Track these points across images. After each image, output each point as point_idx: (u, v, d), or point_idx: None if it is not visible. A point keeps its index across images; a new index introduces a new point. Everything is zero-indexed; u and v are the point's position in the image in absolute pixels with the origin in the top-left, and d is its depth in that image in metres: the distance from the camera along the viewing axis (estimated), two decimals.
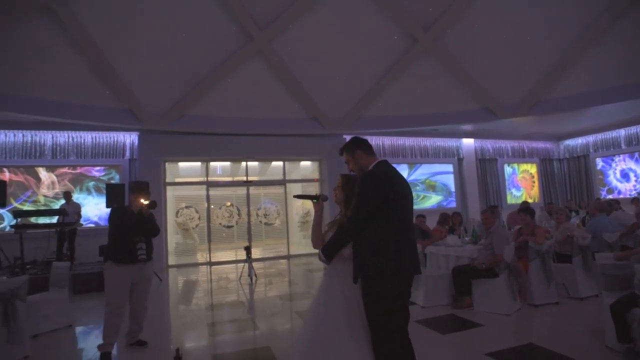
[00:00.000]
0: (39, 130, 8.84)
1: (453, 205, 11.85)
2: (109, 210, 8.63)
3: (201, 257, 10.82)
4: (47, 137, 9.01)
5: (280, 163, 11.09)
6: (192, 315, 5.53)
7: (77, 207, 8.27)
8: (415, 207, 11.22)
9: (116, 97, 8.28)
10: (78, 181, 9.29)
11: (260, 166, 11.78)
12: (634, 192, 11.72)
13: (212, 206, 11.00)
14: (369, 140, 2.69)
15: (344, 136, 10.94)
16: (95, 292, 6.96)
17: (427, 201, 11.79)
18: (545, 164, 13.64)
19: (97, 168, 9.45)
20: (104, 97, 8.24)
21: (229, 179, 11.74)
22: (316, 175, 11.33)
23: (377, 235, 2.28)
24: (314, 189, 11.28)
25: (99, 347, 3.80)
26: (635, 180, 11.85)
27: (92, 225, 9.14)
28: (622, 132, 12.02)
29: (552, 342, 3.71)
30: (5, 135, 8.62)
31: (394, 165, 2.57)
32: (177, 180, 11.07)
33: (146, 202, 3.96)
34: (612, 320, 3.32)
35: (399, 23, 8.71)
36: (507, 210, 10.61)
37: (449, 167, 12.12)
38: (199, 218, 11.41)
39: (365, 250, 2.30)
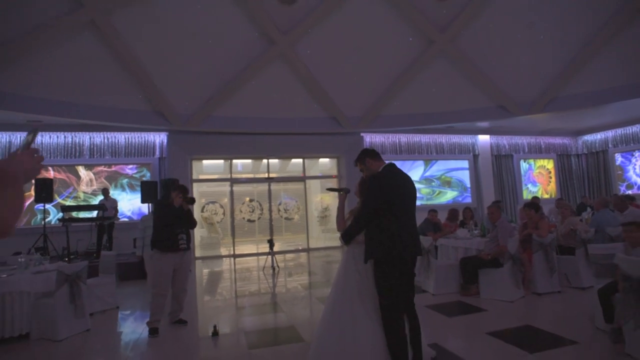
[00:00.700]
0: (78, 132, 9.65)
1: (468, 200, 12.19)
2: (142, 205, 9.42)
3: (225, 250, 11.52)
4: (85, 138, 9.82)
5: (300, 160, 11.67)
6: (222, 300, 6.18)
7: (114, 203, 9.04)
8: (430, 202, 11.66)
9: (148, 101, 8.99)
10: (113, 178, 10.09)
11: (281, 163, 12.39)
12: None
13: (235, 201, 11.67)
14: (387, 138, 3.28)
15: (362, 134, 11.44)
16: (134, 280, 7.73)
17: (442, 197, 12.17)
18: (563, 159, 13.79)
19: (130, 166, 10.23)
20: (137, 101, 8.95)
21: (251, 175, 12.39)
22: (334, 172, 11.86)
23: (383, 226, 2.82)
24: (332, 184, 11.84)
25: (148, 323, 4.45)
26: None
27: (126, 219, 9.92)
28: None
29: (548, 325, 4.16)
30: (50, 137, 9.47)
31: (410, 162, 3.13)
32: (202, 177, 11.79)
33: (186, 199, 4.59)
34: (600, 304, 3.75)
35: (415, 25, 9.10)
36: (521, 206, 10.92)
37: (465, 164, 12.45)
38: (223, 213, 12.10)
39: (375, 238, 2.84)
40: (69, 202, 9.50)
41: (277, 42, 8.82)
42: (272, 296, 6.20)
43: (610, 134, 12.98)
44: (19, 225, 8.56)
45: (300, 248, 11.46)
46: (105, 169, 10.05)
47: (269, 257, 8.37)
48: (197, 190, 11.53)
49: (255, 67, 9.13)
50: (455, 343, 3.86)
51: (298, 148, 11.05)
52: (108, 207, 8.68)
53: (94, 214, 8.62)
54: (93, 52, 7.83)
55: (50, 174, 9.43)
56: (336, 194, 3.45)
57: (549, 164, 13.58)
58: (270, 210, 11.11)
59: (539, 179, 13.39)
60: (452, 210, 7.01)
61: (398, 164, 11.10)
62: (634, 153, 12.47)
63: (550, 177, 13.56)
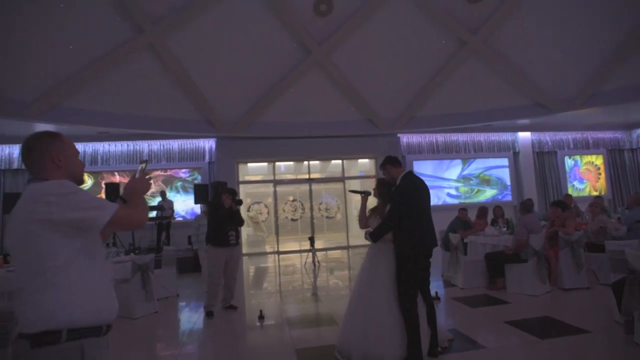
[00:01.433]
0: (139, 140, 10.86)
1: (509, 198, 12.21)
2: (194, 205, 10.43)
3: (269, 247, 12.37)
4: (144, 146, 11.03)
5: (339, 161, 12.27)
6: (267, 291, 6.93)
7: (171, 204, 10.12)
8: (469, 200, 11.87)
9: (198, 110, 9.96)
10: (168, 181, 11.23)
11: (322, 164, 13.06)
12: None
13: (279, 201, 12.49)
14: (424, 138, 3.90)
15: (398, 135, 11.84)
16: (189, 272, 8.71)
17: (481, 195, 12.28)
18: (614, 154, 13.34)
19: (183, 170, 11.33)
20: (189, 111, 9.95)
21: (293, 176, 13.16)
22: (373, 172, 12.34)
23: (408, 228, 3.38)
24: (372, 183, 12.34)
25: (205, 307, 5.27)
26: None
27: (181, 218, 11.00)
28: None
29: (566, 316, 4.48)
30: (115, 145, 10.75)
31: (448, 161, 3.67)
32: (247, 178, 12.72)
33: (235, 200, 5.36)
34: (614, 297, 4.05)
35: (446, 28, 9.39)
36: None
37: (504, 161, 12.46)
38: (267, 212, 12.96)
39: (403, 238, 3.40)
40: None
41: (314, 52, 9.46)
42: (312, 288, 6.86)
43: None
44: None
45: (340, 245, 12.06)
46: (162, 173, 11.21)
47: (310, 253, 9.06)
48: (242, 191, 12.46)
49: (294, 76, 9.83)
50: (473, 329, 4.30)
51: (337, 150, 11.65)
52: (165, 207, 9.75)
53: (154, 213, 9.72)
54: (151, 70, 8.87)
55: (116, 178, 10.71)
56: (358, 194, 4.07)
57: (598, 160, 13.22)
58: (311, 210, 11.81)
59: (586, 175, 13.08)
60: (482, 208, 7.31)
61: (435, 163, 11.67)
62: None
63: (600, 174, 13.18)
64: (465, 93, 10.39)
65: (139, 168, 1.79)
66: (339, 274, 8.22)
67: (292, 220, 12.99)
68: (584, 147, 13.13)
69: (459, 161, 12.23)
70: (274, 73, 9.83)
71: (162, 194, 10.19)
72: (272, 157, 11.68)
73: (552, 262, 5.67)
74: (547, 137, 12.83)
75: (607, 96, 9.76)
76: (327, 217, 13.47)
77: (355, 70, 10.07)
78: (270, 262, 10.40)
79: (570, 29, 9.10)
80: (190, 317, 5.38)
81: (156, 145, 11.07)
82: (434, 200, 11.86)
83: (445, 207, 11.32)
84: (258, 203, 13.03)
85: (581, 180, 13.01)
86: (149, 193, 10.76)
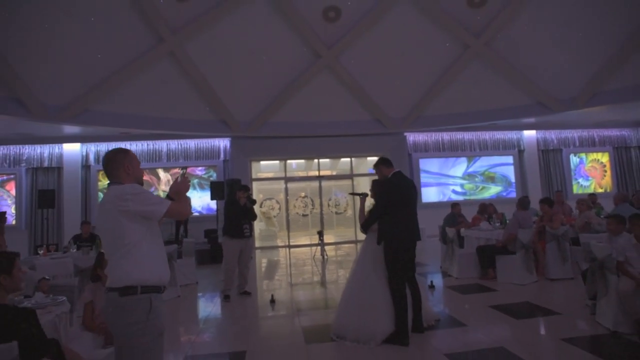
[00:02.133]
0: (158, 140, 11.66)
1: (513, 195, 12.65)
2: (211, 201, 11.17)
3: (281, 241, 13.07)
4: (162, 145, 11.83)
5: (348, 159, 12.89)
6: (278, 280, 7.64)
7: (188, 199, 10.89)
8: (474, 197, 12.39)
9: (213, 112, 10.68)
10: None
11: (331, 162, 13.68)
12: None
13: (290, 197, 13.18)
14: (429, 136, 4.61)
15: (405, 134, 12.40)
16: (207, 264, 9.46)
17: (486, 192, 12.76)
18: (621, 152, 13.65)
19: (200, 168, 12.10)
20: (204, 112, 10.67)
21: (304, 173, 13.81)
22: None
23: (390, 219, 3.99)
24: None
25: (222, 291, 6.00)
26: None
27: (197, 214, 11.78)
28: None
29: (545, 301, 5.06)
30: (136, 145, 11.57)
31: (454, 159, 4.33)
32: (260, 175, 13.43)
33: (249, 199, 6.08)
34: (584, 283, 4.61)
35: (450, 32, 9.91)
36: (573, 200, 11.19)
37: (509, 159, 12.91)
38: (279, 208, 13.65)
39: (384, 227, 4.02)
40: None
41: (323, 55, 10.08)
42: (320, 277, 7.54)
43: None
44: None
45: (349, 240, 12.71)
46: (180, 170, 12.00)
47: (319, 247, 9.72)
48: (255, 187, 13.18)
49: (304, 78, 10.46)
50: (459, 312, 4.91)
51: (346, 148, 12.26)
52: None
53: None
54: (170, 75, 9.61)
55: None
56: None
57: (604, 157, 13.54)
58: (321, 205, 12.48)
59: (591, 173, 13.43)
60: (482, 205, 7.88)
61: (441, 161, 12.38)
62: None
63: (605, 171, 13.52)
64: (470, 93, 10.89)
65: (181, 173, 2.48)
66: (345, 265, 8.87)
67: (303, 215, 13.65)
68: (590, 145, 13.47)
69: (464, 159, 12.73)
70: (285, 76, 10.48)
71: None
72: (283, 155, 12.36)
73: (539, 254, 6.23)
74: (553, 135, 13.21)
75: (609, 96, 10.15)
76: (336, 212, 14.11)
77: (363, 72, 10.65)
78: (282, 255, 11.11)
79: (571, 30, 9.51)
80: (209, 301, 6.12)
81: (174, 144, 11.86)
82: (439, 197, 12.49)
83: (450, 204, 11.83)
84: (270, 199, 13.73)
85: (586, 178, 13.37)
86: (167, 190, 11.69)
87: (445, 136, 12.69)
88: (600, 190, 13.05)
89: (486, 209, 7.72)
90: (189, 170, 12.06)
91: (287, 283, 7.22)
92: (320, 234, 9.71)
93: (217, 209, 10.85)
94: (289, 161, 12.88)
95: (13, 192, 11.39)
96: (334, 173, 13.91)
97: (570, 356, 3.45)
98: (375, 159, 13.10)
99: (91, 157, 11.58)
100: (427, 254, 9.10)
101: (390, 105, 11.40)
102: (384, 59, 10.34)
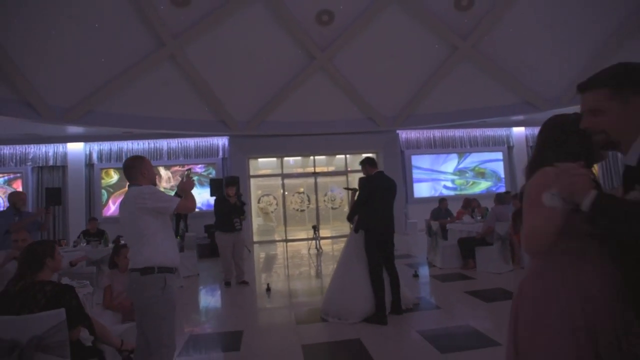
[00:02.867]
0: (159, 139, 12.18)
1: (503, 190, 13.18)
2: (211, 198, 11.70)
3: (278, 235, 13.62)
4: (163, 144, 12.35)
5: (343, 156, 13.41)
6: (274, 271, 8.19)
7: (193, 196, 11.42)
8: (464, 192, 12.86)
9: (212, 111, 11.19)
10: None
11: (327, 159, 14.21)
12: None
13: (287, 193, 13.73)
14: (421, 134, 5.26)
15: (397, 131, 12.92)
16: (207, 257, 10.01)
17: (476, 187, 13.31)
18: None
19: (199, 166, 12.63)
20: (203, 112, 11.18)
21: (302, 170, 14.34)
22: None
23: (368, 211, 4.55)
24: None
25: (224, 279, 6.58)
26: None
27: (198, 210, 12.27)
28: None
29: (516, 287, 5.60)
30: (138, 143, 12.09)
31: (445, 155, 5.27)
32: (258, 172, 13.95)
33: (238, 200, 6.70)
34: None
35: (439, 34, 10.40)
36: None
37: (499, 155, 13.44)
38: (276, 204, 14.19)
39: (362, 218, 4.58)
40: None
41: (317, 57, 10.58)
42: (314, 269, 8.09)
43: None
44: None
45: (344, 234, 13.26)
46: (180, 168, 12.53)
47: (314, 240, 10.28)
48: (253, 184, 13.72)
49: (299, 80, 10.96)
50: (436, 297, 5.47)
51: (340, 146, 12.79)
52: None
53: None
54: (170, 77, 10.11)
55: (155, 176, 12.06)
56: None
57: None
58: (317, 201, 13.02)
59: None
60: (466, 200, 8.43)
61: (433, 157, 12.99)
62: None
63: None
64: (459, 92, 11.39)
65: (185, 174, 3.01)
66: (338, 255, 9.43)
67: (300, 211, 14.19)
68: None
69: (455, 155, 13.26)
70: (281, 77, 10.98)
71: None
72: (280, 153, 12.89)
73: (515, 246, 6.78)
74: None
75: None
76: (332, 207, 14.65)
77: (356, 73, 11.15)
78: (279, 249, 11.67)
79: (555, 32, 10.03)
80: (209, 290, 6.68)
81: (174, 143, 12.37)
82: (431, 192, 13.04)
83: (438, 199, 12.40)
84: (267, 195, 14.27)
85: None
86: (168, 187, 12.04)
87: (437, 133, 13.21)
88: None
89: (470, 203, 8.27)
90: (188, 167, 12.60)
91: (282, 274, 7.78)
92: (315, 228, 10.26)
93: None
94: (287, 158, 13.40)
95: (20, 190, 11.90)
96: (330, 170, 14.44)
97: None
98: (369, 154, 13.63)
99: (94, 155, 12.10)
100: (418, 246, 9.68)
101: (383, 105, 11.91)
102: (376, 60, 10.83)
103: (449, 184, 13.22)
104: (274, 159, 13.52)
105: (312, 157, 13.30)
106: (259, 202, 14.21)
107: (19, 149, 11.85)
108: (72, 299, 2.51)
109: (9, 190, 11.97)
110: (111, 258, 3.87)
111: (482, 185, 13.36)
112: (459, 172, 13.27)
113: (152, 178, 2.83)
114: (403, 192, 12.37)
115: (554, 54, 10.34)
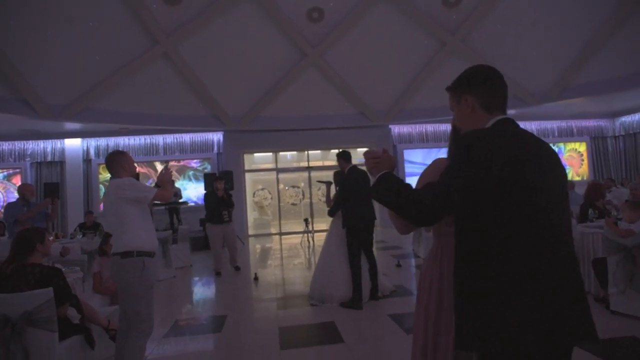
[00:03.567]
0: (155, 134, 12.46)
1: None
2: (205, 192, 11.98)
3: (273, 229, 13.92)
4: (159, 139, 12.63)
5: (337, 150, 13.65)
6: (265, 262, 8.50)
7: (178, 190, 11.68)
8: None
9: (206, 107, 11.45)
10: (182, 171, 12.84)
11: (322, 153, 14.46)
12: None
13: (284, 186, 14.02)
14: (414, 128, 5.68)
15: (389, 126, 13.16)
16: (200, 250, 10.32)
17: None
18: (598, 142, 14.38)
19: (195, 160, 12.91)
20: (198, 108, 11.44)
21: (297, 164, 14.58)
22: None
23: (350, 207, 4.83)
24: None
25: (214, 269, 6.91)
26: None
27: (193, 204, 12.61)
28: None
29: None
30: (134, 139, 12.38)
31: (437, 149, 5.62)
32: (254, 167, 14.23)
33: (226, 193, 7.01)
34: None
35: (427, 30, 10.62)
36: None
37: None
38: (271, 198, 14.47)
39: (347, 214, 4.86)
40: None
41: (309, 54, 10.81)
42: (304, 260, 8.39)
43: None
44: None
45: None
46: (176, 163, 12.82)
47: (306, 234, 10.57)
48: (249, 178, 14.00)
49: (291, 75, 11.21)
50: (415, 284, 5.75)
51: (334, 140, 13.01)
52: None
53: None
54: (165, 74, 10.37)
55: (136, 168, 12.34)
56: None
57: (581, 147, 14.29)
58: (310, 195, 13.29)
59: (569, 162, 14.19)
60: None
61: (425, 151, 13.28)
62: None
63: (582, 160, 14.28)
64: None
65: (164, 166, 3.30)
66: None
67: (293, 204, 14.47)
68: (568, 135, 14.21)
69: (446, 149, 13.46)
70: (273, 73, 11.23)
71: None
72: (274, 147, 13.16)
73: None
74: (533, 125, 13.93)
75: (581, 89, 10.88)
76: (325, 201, 14.92)
77: (347, 68, 11.38)
78: (273, 242, 11.97)
79: (542, 27, 10.23)
80: (200, 280, 6.98)
81: (170, 138, 12.65)
82: None
83: None
84: (262, 189, 14.55)
85: (564, 167, 14.11)
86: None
87: (429, 128, 13.44)
88: (577, 179, 13.81)
89: None
90: (183, 162, 12.91)
91: (271, 265, 8.08)
92: (307, 221, 10.55)
93: None
94: (284, 153, 13.69)
95: (27, 183, 12.22)
96: (325, 164, 14.68)
97: None
98: (364, 149, 13.96)
99: (91, 151, 12.40)
100: (408, 238, 9.93)
101: (375, 100, 12.14)
102: (367, 56, 11.05)
103: None
104: (270, 153, 13.77)
105: (306, 152, 13.55)
106: (254, 196, 14.50)
107: (18, 145, 12.16)
108: (59, 280, 2.80)
109: (9, 185, 12.31)
110: (100, 246, 4.16)
111: None
112: None
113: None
114: None
115: (542, 48, 10.54)
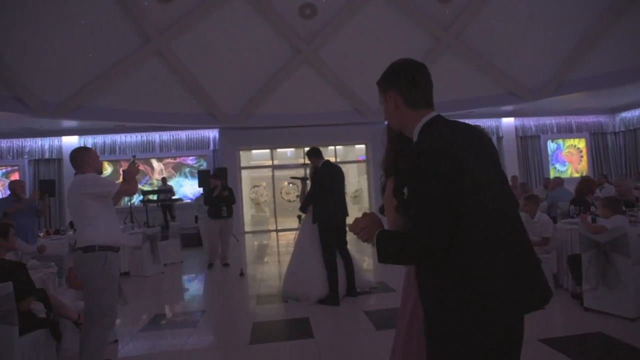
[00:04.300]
0: (151, 132, 12.56)
1: None
2: (201, 189, 12.08)
3: (271, 225, 13.98)
4: (155, 136, 12.73)
5: (333, 147, 13.70)
6: (255, 258, 8.56)
7: (170, 187, 11.83)
8: None
9: (201, 104, 11.51)
10: (178, 168, 12.94)
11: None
12: None
13: (287, 184, 14.07)
14: None
15: (385, 122, 13.09)
16: (193, 247, 10.42)
17: None
18: (597, 137, 14.23)
19: (190, 158, 13.00)
20: (193, 106, 11.50)
21: (294, 161, 14.62)
22: (368, 156, 13.72)
23: (322, 202, 4.85)
24: (363, 168, 13.84)
25: (208, 261, 7.10)
26: None
27: (189, 200, 12.70)
28: None
29: None
30: (130, 137, 12.49)
31: None
32: (252, 164, 14.29)
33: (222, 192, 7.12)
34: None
35: (421, 26, 10.58)
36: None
37: None
38: (266, 194, 14.53)
39: (317, 210, 4.88)
40: (147, 188, 12.51)
41: (302, 50, 10.82)
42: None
43: None
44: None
45: None
46: (172, 160, 12.92)
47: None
48: (247, 175, 14.08)
49: (286, 72, 11.22)
50: (395, 281, 5.77)
51: (330, 137, 13.04)
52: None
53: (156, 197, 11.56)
54: (159, 72, 10.44)
55: (101, 165, 12.47)
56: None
57: (580, 143, 14.16)
58: (305, 192, 13.32)
59: (568, 158, 14.07)
60: None
61: None
62: None
63: (582, 156, 14.15)
64: (444, 83, 11.50)
65: (130, 161, 3.32)
66: None
67: (289, 201, 14.51)
68: (568, 131, 14.08)
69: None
70: (267, 70, 11.25)
71: (163, 180, 11.99)
72: (270, 144, 13.21)
73: None
74: (532, 122, 13.84)
75: (577, 84, 10.78)
76: (299, 198, 14.94)
77: (341, 64, 11.36)
78: (268, 238, 12.04)
79: (536, 21, 10.13)
80: (189, 276, 7.06)
81: (166, 135, 12.75)
82: None
83: None
84: (259, 186, 14.61)
85: (563, 163, 14.03)
86: (160, 178, 12.45)
87: None
88: (576, 175, 13.68)
89: None
90: (179, 159, 13.01)
91: (260, 261, 8.15)
92: (300, 217, 10.57)
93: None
94: (283, 150, 13.74)
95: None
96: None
97: None
98: (362, 146, 13.88)
99: None
100: None
101: (369, 96, 12.11)
102: (361, 52, 11.02)
103: None
104: (267, 150, 13.82)
105: (303, 149, 13.57)
106: (250, 193, 14.57)
107: (16, 142, 12.31)
108: (21, 275, 2.87)
109: (7, 182, 12.48)
110: (74, 243, 4.23)
111: None
112: None
113: (96, 167, 3.16)
114: None
115: (537, 43, 10.44)
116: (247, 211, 14.22)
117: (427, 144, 1.37)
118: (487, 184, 1.35)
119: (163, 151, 12.77)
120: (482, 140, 1.45)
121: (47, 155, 12.27)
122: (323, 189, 4.85)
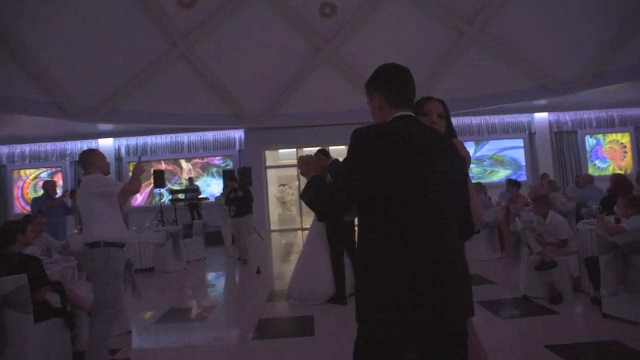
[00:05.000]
0: (179, 133, 13.06)
1: (524, 178, 12.87)
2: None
3: (297, 224, 14.17)
4: (184, 138, 13.22)
5: None
6: (276, 256, 8.74)
7: (197, 187, 12.27)
8: (482, 181, 12.68)
9: (227, 106, 11.84)
10: (206, 168, 13.38)
11: (345, 150, 14.49)
12: None
13: (302, 184, 14.20)
14: None
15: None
16: (216, 245, 10.75)
17: (494, 175, 13.12)
18: None
19: (218, 158, 13.41)
20: (221, 107, 11.86)
21: None
22: None
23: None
24: None
25: (227, 259, 7.31)
26: None
27: (215, 200, 13.07)
28: None
29: (492, 274, 5.76)
30: (160, 138, 13.05)
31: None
32: (279, 163, 14.56)
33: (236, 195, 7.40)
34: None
35: (443, 20, 10.39)
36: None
37: (519, 142, 13.13)
38: (293, 194, 14.73)
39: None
40: (176, 187, 13.02)
41: (323, 49, 10.91)
42: None
43: None
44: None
45: None
46: (200, 160, 13.38)
47: None
48: (272, 174, 14.33)
49: (308, 71, 11.35)
50: None
51: None
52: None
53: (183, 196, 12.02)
54: (185, 75, 10.85)
55: (162, 166, 13.02)
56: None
57: (624, 138, 13.39)
58: None
59: (610, 154, 13.34)
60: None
61: None
62: None
63: (626, 152, 13.38)
64: (470, 79, 11.27)
65: (138, 160, 3.52)
66: None
67: None
68: (609, 126, 13.35)
69: (472, 143, 13.11)
70: (289, 70, 11.42)
71: (190, 180, 12.45)
72: (295, 144, 13.39)
73: (505, 233, 6.86)
74: (567, 117, 13.23)
75: (615, 76, 10.22)
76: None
77: (363, 62, 11.29)
78: (292, 237, 12.23)
79: (567, 11, 9.69)
80: (209, 273, 7.33)
81: (194, 136, 13.21)
82: None
83: None
84: (284, 186, 14.84)
85: (604, 160, 13.32)
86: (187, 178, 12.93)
87: (453, 121, 13.00)
88: (619, 172, 12.96)
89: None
90: (207, 159, 13.45)
91: (281, 259, 8.31)
92: None
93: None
94: (308, 149, 13.89)
95: (61, 182, 13.25)
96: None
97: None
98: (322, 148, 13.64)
99: (122, 150, 13.20)
100: None
101: None
102: (382, 49, 10.87)
103: None
104: (294, 149, 14.02)
105: (326, 149, 13.65)
106: (277, 192, 14.82)
107: (59, 145, 13.19)
108: (36, 267, 3.12)
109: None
110: None
111: (501, 174, 13.13)
112: (477, 160, 13.12)
113: (103, 168, 3.38)
114: None
115: (571, 31, 9.97)
116: (274, 210, 14.48)
117: (365, 129, 1.55)
118: (412, 184, 1.44)
119: (191, 152, 13.24)
120: (431, 149, 1.54)
121: None
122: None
